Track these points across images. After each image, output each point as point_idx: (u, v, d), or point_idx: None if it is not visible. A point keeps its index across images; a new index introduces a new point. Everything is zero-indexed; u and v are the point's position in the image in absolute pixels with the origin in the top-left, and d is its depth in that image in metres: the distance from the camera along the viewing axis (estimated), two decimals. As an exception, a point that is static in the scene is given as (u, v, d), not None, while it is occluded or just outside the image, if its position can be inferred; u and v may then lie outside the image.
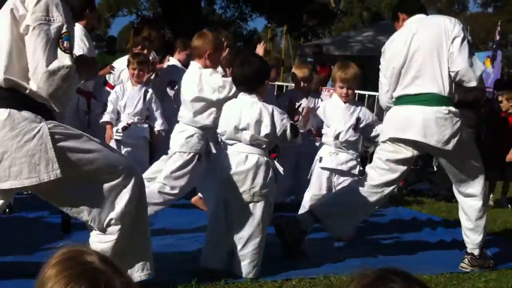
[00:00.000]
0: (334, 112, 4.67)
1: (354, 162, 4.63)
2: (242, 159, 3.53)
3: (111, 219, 2.91)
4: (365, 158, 8.17)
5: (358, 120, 4.63)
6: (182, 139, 4.16)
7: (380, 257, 4.21)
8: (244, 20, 19.73)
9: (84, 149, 2.83)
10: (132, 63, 5.54)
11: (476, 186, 4.04)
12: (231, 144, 3.61)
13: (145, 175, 4.18)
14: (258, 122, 3.52)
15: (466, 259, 4.06)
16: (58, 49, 2.67)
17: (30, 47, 2.65)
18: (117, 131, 5.33)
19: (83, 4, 5.16)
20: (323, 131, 4.74)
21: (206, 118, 4.12)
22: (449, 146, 3.85)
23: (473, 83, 3.82)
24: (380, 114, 8.36)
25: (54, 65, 2.64)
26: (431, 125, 3.84)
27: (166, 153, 4.39)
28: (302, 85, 5.52)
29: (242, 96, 3.64)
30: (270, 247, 3.83)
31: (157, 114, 5.56)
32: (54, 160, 2.68)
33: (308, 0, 15.32)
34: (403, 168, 4.10)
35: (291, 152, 5.23)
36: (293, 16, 15.34)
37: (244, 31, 26.24)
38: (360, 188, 4.15)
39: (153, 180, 4.26)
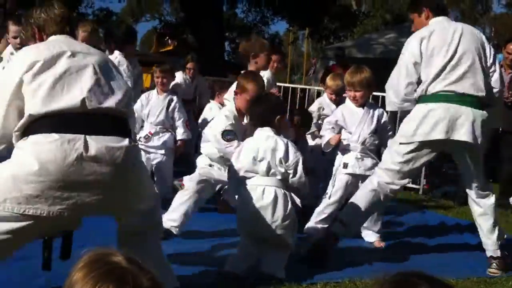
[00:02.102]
0: (354, 117, 4.61)
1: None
2: (260, 194, 3.57)
3: None
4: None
5: (378, 123, 4.60)
6: None
7: (406, 261, 4.18)
8: (266, 24, 19.82)
9: None
10: (156, 71, 5.62)
11: (490, 184, 4.27)
12: (249, 178, 3.64)
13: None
14: (274, 151, 3.60)
15: (494, 264, 4.00)
16: None
17: None
18: (139, 140, 5.30)
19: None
20: (343, 136, 4.67)
21: None
22: (479, 143, 3.87)
23: (499, 104, 4.11)
24: (403, 117, 8.30)
25: None
26: (477, 127, 3.84)
27: (189, 161, 4.39)
28: (332, 97, 5.47)
29: (259, 131, 3.73)
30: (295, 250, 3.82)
31: (179, 123, 5.56)
32: None
33: (330, 3, 15.29)
34: (419, 168, 4.21)
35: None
36: (315, 20, 15.33)
37: (265, 35, 26.30)
38: (374, 189, 4.13)
39: None
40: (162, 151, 5.51)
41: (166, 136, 5.56)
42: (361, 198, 4.19)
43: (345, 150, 4.63)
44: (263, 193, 3.56)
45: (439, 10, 4.09)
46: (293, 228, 3.67)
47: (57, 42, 2.73)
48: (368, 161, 4.56)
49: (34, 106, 2.46)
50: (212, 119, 4.66)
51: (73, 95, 2.51)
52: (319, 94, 9.25)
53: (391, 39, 11.58)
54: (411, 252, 4.47)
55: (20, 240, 2.50)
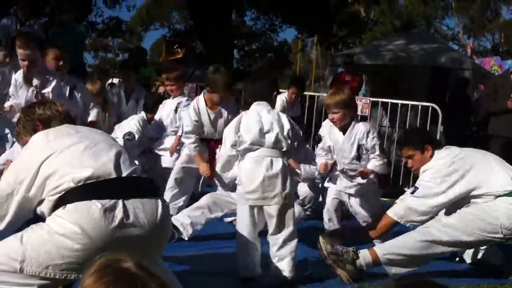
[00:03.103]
0: (336, 145, 4.57)
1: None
2: (269, 164, 3.61)
3: None
4: (398, 167, 8.11)
5: (359, 148, 4.48)
6: None
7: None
8: (274, 31, 19.83)
9: None
10: (165, 79, 5.75)
11: None
12: (254, 150, 3.67)
13: None
14: (279, 123, 3.71)
15: None
16: None
17: None
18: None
19: None
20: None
21: None
22: None
23: None
24: (413, 123, 8.30)
25: None
26: None
27: None
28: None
29: (256, 106, 3.83)
30: (303, 254, 3.83)
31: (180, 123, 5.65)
32: None
33: (338, 10, 15.31)
34: None
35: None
36: (323, 27, 15.34)
37: (274, 42, 26.35)
38: None
39: None
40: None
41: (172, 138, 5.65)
42: None
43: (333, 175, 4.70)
44: (272, 163, 3.62)
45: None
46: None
47: (63, 127, 2.83)
48: (349, 182, 4.59)
49: (72, 173, 2.50)
50: None
51: (104, 163, 2.57)
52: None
53: (400, 46, 11.55)
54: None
55: None
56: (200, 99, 4.92)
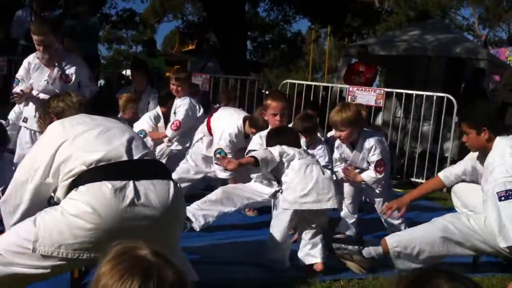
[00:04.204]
0: (348, 159, 4.69)
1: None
2: (317, 169, 3.80)
3: None
4: (412, 159, 8.09)
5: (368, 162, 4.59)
6: None
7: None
8: (288, 22, 19.71)
9: None
10: (171, 78, 5.74)
11: None
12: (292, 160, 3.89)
13: None
14: None
15: None
16: None
17: None
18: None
19: None
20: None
21: None
22: None
23: None
24: (427, 114, 8.25)
25: None
26: None
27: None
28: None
29: None
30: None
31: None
32: None
33: (352, 0, 15.21)
34: None
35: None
36: (337, 17, 15.25)
37: (288, 33, 26.28)
38: None
39: None
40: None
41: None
42: None
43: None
44: (319, 169, 3.81)
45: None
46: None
47: (79, 116, 2.88)
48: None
49: (84, 156, 2.54)
50: None
51: (116, 146, 2.61)
52: (341, 92, 9.24)
53: (414, 36, 11.44)
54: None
55: (51, 275, 2.54)
56: (243, 125, 5.07)
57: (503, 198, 3.46)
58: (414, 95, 8.15)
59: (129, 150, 2.62)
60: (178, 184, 2.70)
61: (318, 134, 5.39)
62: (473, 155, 4.11)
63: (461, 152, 6.44)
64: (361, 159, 4.56)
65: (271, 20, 20.12)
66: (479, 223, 3.67)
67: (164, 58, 9.69)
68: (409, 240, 3.74)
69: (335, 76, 12.70)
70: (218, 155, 4.77)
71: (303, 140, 4.60)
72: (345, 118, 4.39)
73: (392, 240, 3.78)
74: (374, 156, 4.48)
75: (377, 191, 4.61)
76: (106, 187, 2.43)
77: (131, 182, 2.48)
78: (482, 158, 3.91)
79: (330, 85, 10.14)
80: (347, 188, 4.72)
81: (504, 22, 35.95)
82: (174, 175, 5.15)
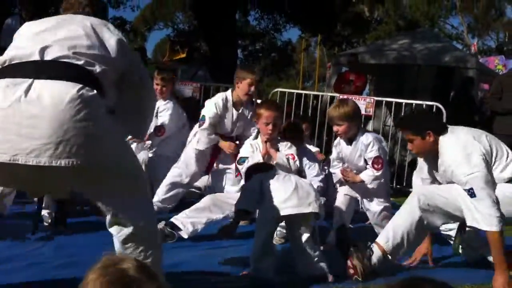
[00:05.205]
0: (345, 157, 4.72)
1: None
2: (293, 178, 3.83)
3: None
4: (402, 167, 8.11)
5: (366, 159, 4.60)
6: None
7: (421, 268, 4.13)
8: (278, 31, 19.83)
9: None
10: (156, 78, 5.64)
11: None
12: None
13: None
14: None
15: None
16: None
17: None
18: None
19: None
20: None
21: None
22: None
23: None
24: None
25: None
26: None
27: None
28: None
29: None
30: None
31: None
32: None
33: (342, 9, 15.31)
34: None
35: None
36: (327, 26, 15.34)
37: (278, 42, 26.34)
38: None
39: None
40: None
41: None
42: None
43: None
44: (290, 177, 3.80)
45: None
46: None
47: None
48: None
49: (5, 54, 2.60)
50: None
51: (34, 46, 2.55)
52: (332, 101, 9.27)
53: (404, 45, 11.53)
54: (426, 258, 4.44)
55: None
56: (229, 96, 5.01)
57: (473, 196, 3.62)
58: (403, 103, 8.20)
59: (43, 49, 2.52)
60: (92, 94, 2.45)
61: (310, 147, 5.40)
62: (421, 164, 4.19)
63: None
64: (358, 157, 4.56)
65: (261, 28, 20.24)
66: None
67: (155, 66, 9.65)
68: (394, 230, 3.87)
69: (326, 85, 12.76)
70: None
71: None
72: (343, 113, 4.44)
73: (381, 238, 3.89)
74: (372, 153, 4.49)
75: (376, 201, 4.61)
76: (3, 83, 2.41)
77: (30, 80, 2.39)
78: (432, 160, 4.00)
79: (320, 93, 10.18)
80: (341, 197, 4.71)
81: (493, 31, 36.27)
82: (166, 181, 5.13)
